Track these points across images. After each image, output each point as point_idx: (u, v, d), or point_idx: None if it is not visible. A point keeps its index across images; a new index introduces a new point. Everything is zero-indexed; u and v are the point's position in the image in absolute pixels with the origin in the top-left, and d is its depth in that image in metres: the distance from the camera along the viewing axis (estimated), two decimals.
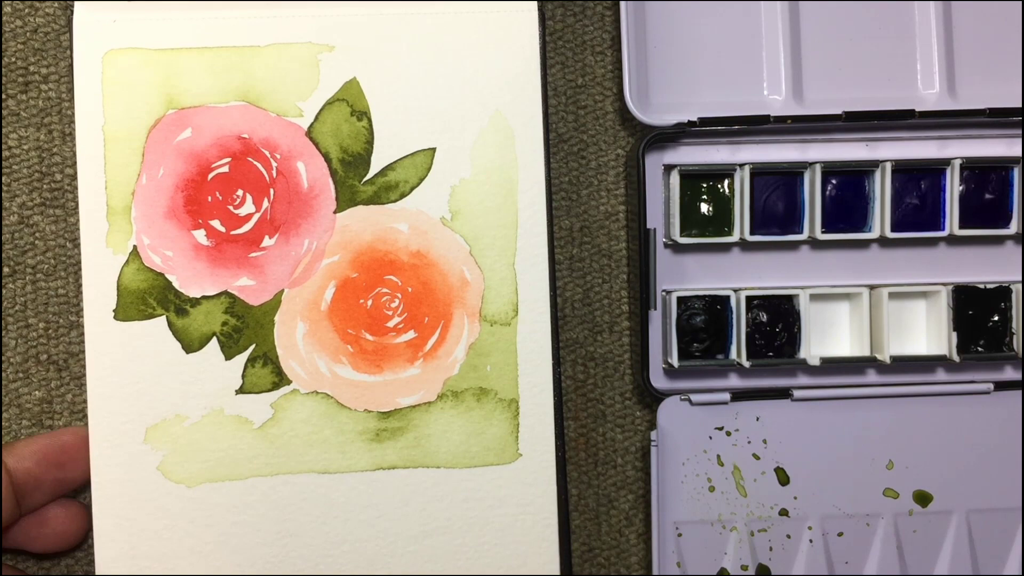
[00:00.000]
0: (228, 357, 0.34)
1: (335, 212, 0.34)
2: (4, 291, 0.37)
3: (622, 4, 0.37)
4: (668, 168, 0.38)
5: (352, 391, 0.34)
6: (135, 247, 0.33)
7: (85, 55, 0.33)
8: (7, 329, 0.37)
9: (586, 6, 0.39)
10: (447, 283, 0.34)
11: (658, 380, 0.38)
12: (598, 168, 0.39)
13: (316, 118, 0.34)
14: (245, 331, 0.34)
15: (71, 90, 0.36)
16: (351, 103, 0.34)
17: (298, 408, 0.34)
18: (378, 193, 0.34)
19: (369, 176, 0.34)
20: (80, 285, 0.37)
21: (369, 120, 0.34)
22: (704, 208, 0.38)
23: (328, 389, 0.34)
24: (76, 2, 0.33)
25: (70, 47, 0.33)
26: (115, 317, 0.33)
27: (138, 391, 0.33)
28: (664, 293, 0.38)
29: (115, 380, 0.33)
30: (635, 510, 0.39)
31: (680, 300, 0.38)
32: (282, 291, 0.34)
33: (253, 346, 0.34)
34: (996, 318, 0.38)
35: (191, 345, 0.34)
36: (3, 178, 0.37)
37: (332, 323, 0.34)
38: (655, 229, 0.37)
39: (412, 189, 0.34)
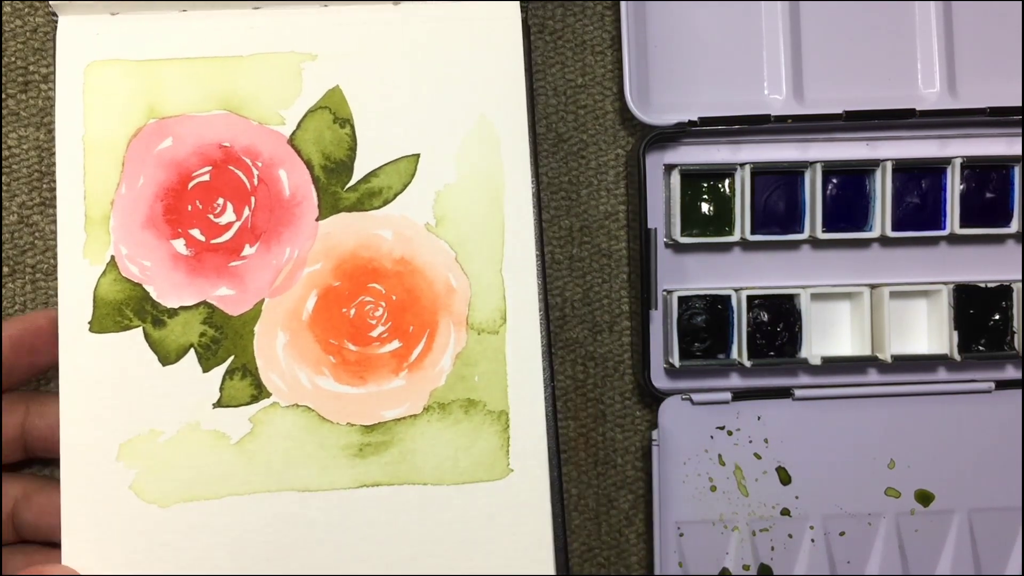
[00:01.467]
0: (206, 369, 0.33)
1: (317, 219, 0.33)
2: (4, 291, 0.37)
3: (622, 4, 0.37)
4: (669, 168, 0.38)
5: (334, 404, 0.33)
6: (112, 257, 0.33)
7: (67, 67, 0.33)
8: None
9: (586, 6, 0.39)
10: (432, 290, 0.33)
11: (659, 380, 0.38)
12: (598, 168, 0.39)
13: (298, 126, 0.33)
14: (223, 342, 0.33)
15: None
16: (334, 110, 0.33)
17: (278, 422, 0.33)
18: (361, 200, 0.33)
19: (352, 183, 0.33)
20: None
21: (352, 127, 0.34)
22: (705, 208, 0.38)
23: (309, 402, 0.33)
24: (60, 16, 0.33)
25: (53, 58, 0.33)
26: (90, 329, 0.32)
27: (112, 406, 0.32)
28: (665, 293, 0.38)
29: (89, 394, 0.32)
30: (635, 510, 0.39)
31: (681, 300, 0.38)
32: (262, 301, 0.33)
33: (232, 358, 0.33)
34: (997, 317, 0.38)
35: (168, 357, 0.33)
36: (3, 178, 0.37)
37: (313, 333, 0.33)
38: (656, 229, 0.37)
39: (396, 195, 0.33)
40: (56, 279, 0.37)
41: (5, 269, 0.37)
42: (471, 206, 0.33)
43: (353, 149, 0.33)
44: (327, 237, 0.33)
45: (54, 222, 0.37)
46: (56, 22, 0.32)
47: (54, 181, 0.37)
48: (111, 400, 0.32)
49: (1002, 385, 0.38)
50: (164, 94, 0.33)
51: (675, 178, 0.37)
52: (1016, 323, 0.38)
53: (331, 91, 0.33)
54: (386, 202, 0.33)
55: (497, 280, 0.33)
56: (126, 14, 0.33)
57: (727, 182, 0.38)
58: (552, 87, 0.39)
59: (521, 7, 0.34)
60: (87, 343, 0.32)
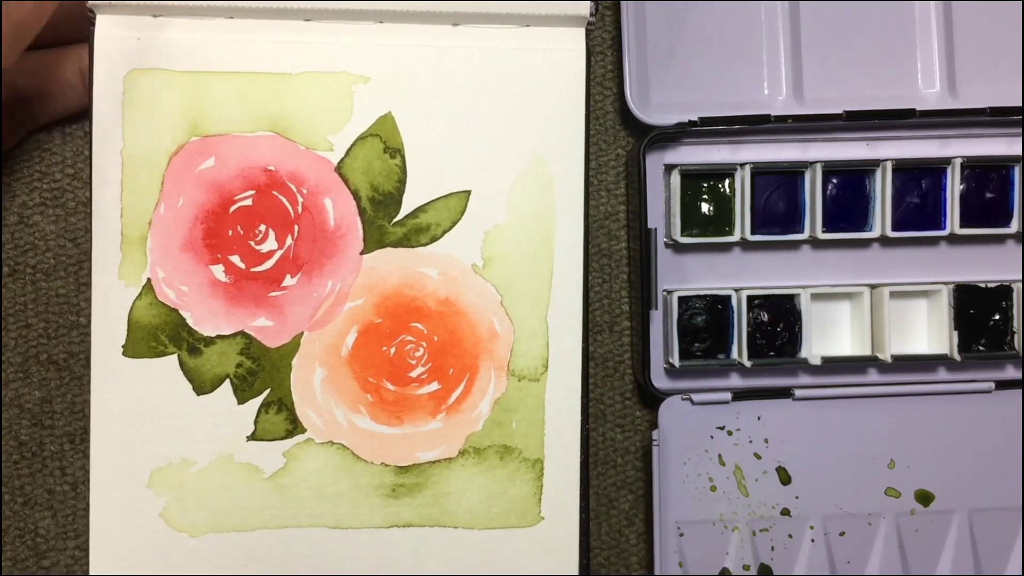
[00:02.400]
0: (241, 401, 0.32)
1: (361, 253, 0.32)
2: (4, 291, 0.37)
3: (622, 4, 0.37)
4: (669, 168, 0.38)
5: (369, 443, 0.32)
6: (149, 280, 0.31)
7: (106, 74, 0.31)
8: (7, 329, 0.37)
9: None
10: (475, 333, 0.32)
11: (659, 380, 0.38)
12: (598, 168, 0.39)
13: (347, 153, 0.32)
14: (260, 374, 0.32)
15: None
16: (385, 139, 0.32)
17: (312, 458, 0.32)
18: (408, 235, 0.32)
19: (399, 217, 0.32)
20: (80, 284, 0.37)
21: (403, 158, 0.32)
22: (705, 208, 0.38)
23: (344, 440, 0.32)
24: (98, 15, 0.30)
25: (90, 63, 0.31)
26: (124, 353, 0.31)
27: (144, 432, 0.31)
28: (665, 293, 0.38)
29: (120, 419, 0.31)
30: (635, 510, 0.39)
31: (681, 300, 0.38)
32: (301, 334, 0.32)
33: (268, 391, 0.32)
34: (997, 317, 0.38)
35: (203, 386, 0.32)
36: (3, 178, 0.37)
37: (352, 370, 0.32)
38: (656, 229, 0.37)
39: (444, 233, 0.32)
40: (57, 279, 0.37)
41: (5, 269, 0.37)
42: (520, 248, 0.32)
43: (403, 181, 0.32)
44: (370, 272, 0.32)
45: (55, 222, 0.37)
46: (93, 21, 0.30)
47: (55, 181, 0.37)
48: (143, 427, 0.31)
49: (1002, 385, 0.38)
50: (209, 110, 0.31)
51: (675, 178, 0.37)
52: (1016, 323, 0.38)
53: (383, 118, 0.32)
54: (433, 239, 0.32)
55: (542, 326, 0.32)
56: (168, 17, 0.31)
57: (727, 182, 0.38)
58: None
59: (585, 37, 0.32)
60: (120, 367, 0.31)
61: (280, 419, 0.32)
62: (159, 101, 0.31)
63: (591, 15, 0.32)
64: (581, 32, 0.32)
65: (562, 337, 0.33)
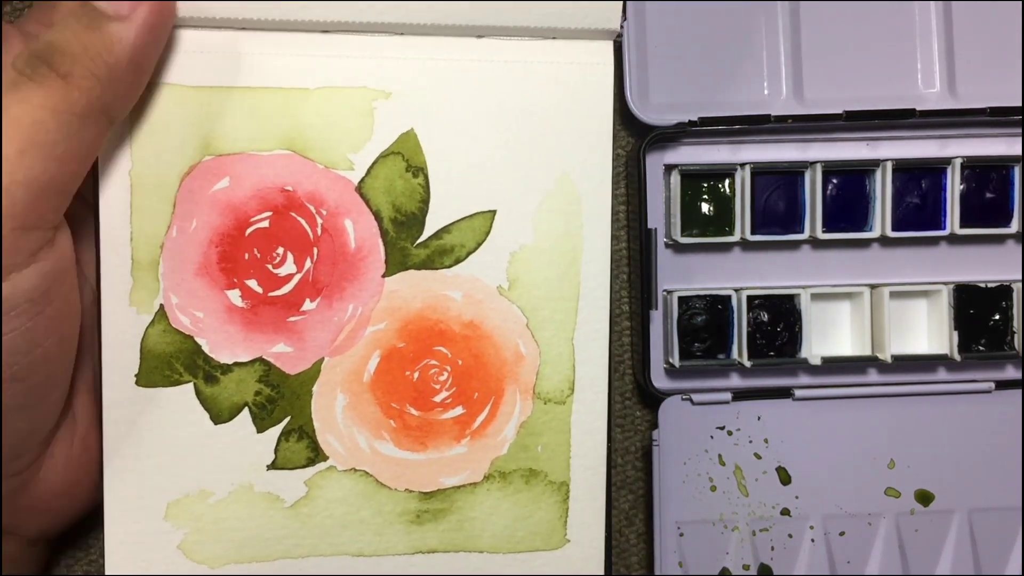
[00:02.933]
0: (260, 430, 0.31)
1: (383, 276, 0.31)
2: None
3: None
4: (669, 168, 0.38)
5: (393, 469, 0.31)
6: (162, 306, 0.30)
7: None
8: None
9: None
10: (500, 357, 0.32)
11: (659, 380, 0.38)
12: None
13: (368, 172, 0.30)
14: (280, 402, 0.31)
15: None
16: (407, 157, 0.30)
17: (334, 486, 0.31)
18: (431, 257, 0.31)
19: (423, 239, 0.31)
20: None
21: (425, 177, 0.31)
22: (705, 208, 0.38)
23: (367, 467, 0.31)
24: None
25: None
26: (137, 382, 0.30)
27: (160, 464, 0.30)
28: (665, 293, 0.38)
29: (135, 451, 0.30)
30: (635, 510, 0.39)
31: (681, 300, 0.38)
32: (322, 359, 0.31)
33: (288, 418, 0.31)
34: (997, 317, 0.38)
35: (220, 415, 0.30)
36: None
37: (375, 396, 0.31)
38: (656, 229, 0.37)
39: (468, 254, 0.31)
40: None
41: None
42: (546, 269, 0.31)
43: (426, 201, 0.31)
44: (393, 295, 0.31)
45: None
46: None
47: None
48: (159, 458, 0.30)
49: (1002, 385, 0.38)
50: (221, 128, 0.30)
51: (675, 178, 0.37)
52: (1016, 323, 0.38)
53: (405, 135, 0.30)
54: (457, 261, 0.31)
55: (568, 349, 0.32)
56: (175, 29, 0.29)
57: (727, 182, 0.38)
58: None
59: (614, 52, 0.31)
60: (133, 397, 0.30)
61: (301, 447, 0.31)
62: (168, 118, 0.29)
63: (621, 27, 0.31)
64: (609, 45, 0.31)
65: (588, 359, 0.32)
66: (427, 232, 0.31)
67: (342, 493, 0.31)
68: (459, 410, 0.32)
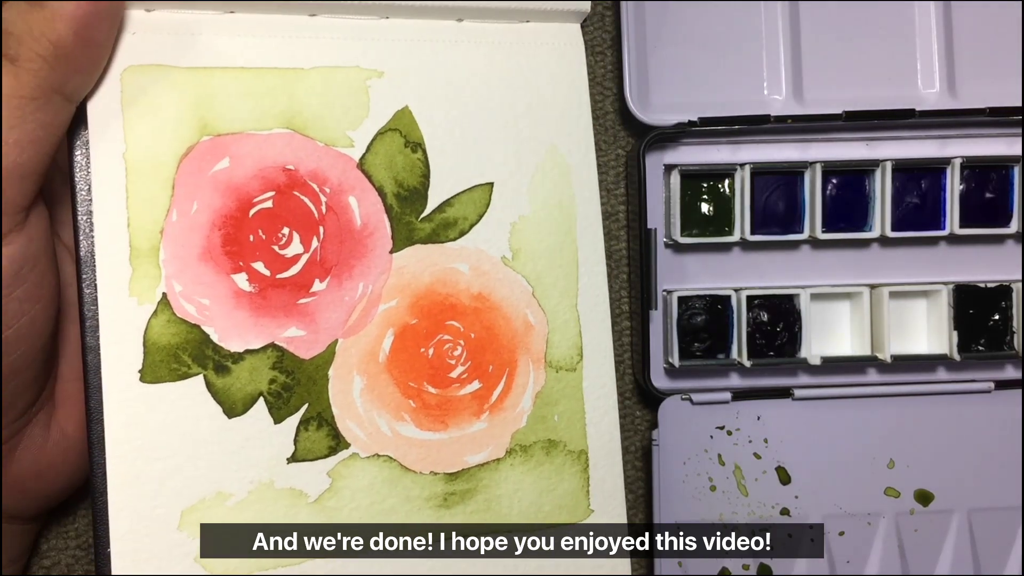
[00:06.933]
0: (277, 420, 0.29)
1: (391, 252, 0.30)
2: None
3: (622, 4, 0.37)
4: (668, 168, 0.38)
5: (417, 451, 0.30)
6: (164, 295, 0.28)
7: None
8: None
9: None
10: (511, 327, 0.31)
11: (659, 380, 0.38)
12: (598, 168, 0.39)
13: (368, 149, 0.30)
14: (296, 389, 0.29)
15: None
16: (404, 133, 0.30)
17: (359, 475, 0.30)
18: (436, 231, 0.31)
19: (427, 212, 0.31)
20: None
21: (424, 152, 0.31)
22: (705, 208, 0.38)
23: (390, 451, 0.30)
24: None
25: None
26: (142, 379, 0.28)
27: (171, 467, 0.28)
28: (665, 293, 0.38)
29: (142, 455, 0.28)
30: (635, 510, 0.39)
31: (681, 300, 0.38)
32: (335, 341, 0.30)
33: (306, 406, 0.29)
34: (996, 317, 0.38)
35: (234, 408, 0.29)
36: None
37: (392, 376, 0.30)
38: (656, 229, 0.37)
39: (471, 226, 0.31)
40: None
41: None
42: (546, 238, 0.32)
43: (426, 176, 0.31)
44: (401, 271, 0.30)
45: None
46: None
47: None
48: (169, 460, 0.28)
49: (1002, 385, 0.38)
50: (217, 108, 0.29)
51: (675, 178, 0.37)
52: (1016, 323, 0.38)
53: (400, 112, 0.31)
54: (461, 233, 0.31)
55: (573, 315, 0.32)
56: (164, 11, 0.29)
57: (727, 182, 0.38)
58: None
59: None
60: (138, 395, 0.28)
61: (321, 435, 0.29)
62: (162, 100, 0.28)
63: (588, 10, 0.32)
64: (577, 28, 0.32)
65: (593, 325, 0.32)
66: (430, 206, 0.31)
67: (367, 481, 0.30)
68: (476, 384, 0.31)
